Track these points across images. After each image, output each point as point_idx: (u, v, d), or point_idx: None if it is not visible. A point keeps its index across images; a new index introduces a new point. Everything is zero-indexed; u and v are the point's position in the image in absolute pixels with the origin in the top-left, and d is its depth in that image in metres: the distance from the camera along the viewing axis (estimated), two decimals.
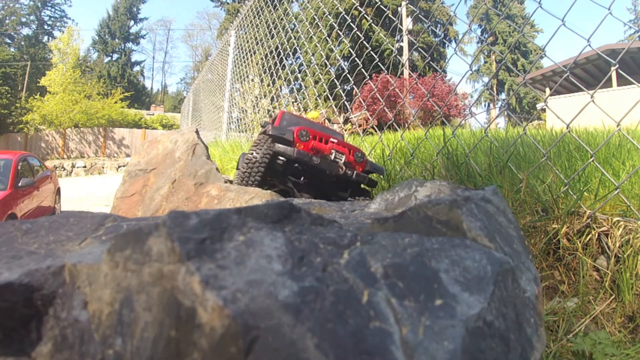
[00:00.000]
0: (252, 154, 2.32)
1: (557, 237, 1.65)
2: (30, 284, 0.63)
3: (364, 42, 3.65)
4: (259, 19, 7.88)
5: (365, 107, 11.53)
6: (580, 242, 1.61)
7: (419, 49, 4.28)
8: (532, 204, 1.84)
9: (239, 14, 9.61)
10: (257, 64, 8.38)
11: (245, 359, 0.43)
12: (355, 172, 2.32)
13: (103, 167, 19.35)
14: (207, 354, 0.45)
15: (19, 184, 5.53)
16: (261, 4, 7.62)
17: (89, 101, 23.05)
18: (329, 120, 9.05)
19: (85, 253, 0.69)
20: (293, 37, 6.35)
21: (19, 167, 5.87)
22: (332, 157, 2.30)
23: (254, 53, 8.34)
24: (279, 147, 2.29)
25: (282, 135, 2.29)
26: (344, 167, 2.27)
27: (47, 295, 0.63)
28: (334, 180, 2.42)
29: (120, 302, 0.55)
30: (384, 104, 4.23)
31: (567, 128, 2.00)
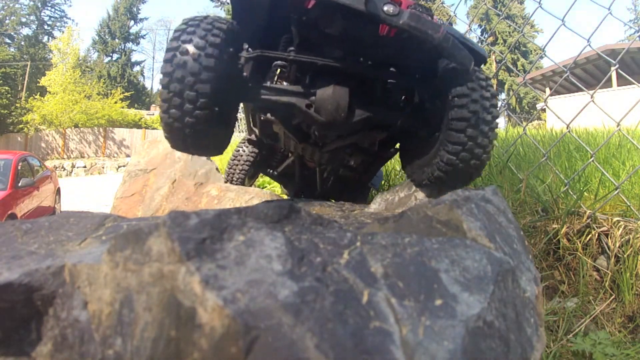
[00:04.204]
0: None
1: (557, 237, 1.65)
2: (30, 284, 0.63)
3: None
4: None
5: None
6: (580, 242, 1.61)
7: None
8: (532, 204, 1.84)
9: None
10: None
11: (245, 359, 0.43)
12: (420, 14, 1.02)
13: (103, 167, 19.36)
14: (207, 354, 0.45)
15: (19, 184, 5.53)
16: None
17: (89, 101, 23.07)
18: None
19: (85, 253, 0.69)
20: None
21: (19, 167, 5.87)
22: None
23: None
24: None
25: None
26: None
27: (47, 295, 0.63)
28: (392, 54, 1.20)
29: (120, 302, 0.55)
30: None
31: (567, 128, 2.00)
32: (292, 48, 1.26)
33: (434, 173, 1.22)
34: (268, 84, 1.26)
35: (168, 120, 1.11)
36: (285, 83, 1.29)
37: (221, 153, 1.31)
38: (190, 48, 1.05)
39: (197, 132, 1.12)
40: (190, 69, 1.05)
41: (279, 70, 1.28)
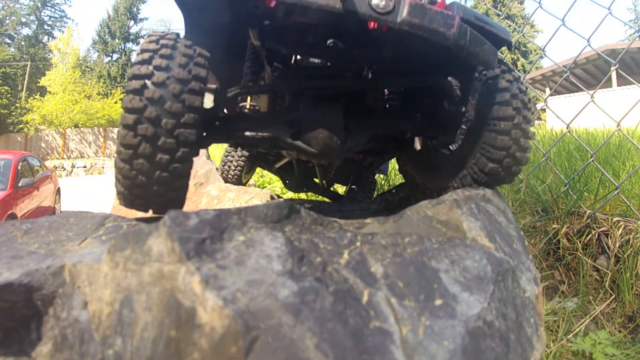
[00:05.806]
0: None
1: (557, 237, 1.65)
2: (30, 284, 0.63)
3: None
4: None
5: None
6: (580, 242, 1.61)
7: None
8: (532, 204, 1.84)
9: None
10: None
11: (245, 359, 0.43)
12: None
13: (103, 167, 19.37)
14: (207, 354, 0.45)
15: (19, 184, 5.54)
16: None
17: (89, 101, 23.13)
18: None
19: (85, 253, 0.69)
20: None
21: (19, 167, 5.87)
22: None
23: None
24: None
25: None
26: None
27: (47, 295, 0.63)
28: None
29: (120, 302, 0.55)
30: None
31: (567, 128, 2.00)
32: (275, 72, 1.01)
33: (466, 182, 1.01)
34: (238, 113, 1.01)
35: (129, 173, 0.80)
36: (257, 106, 1.04)
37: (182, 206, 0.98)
38: (169, 79, 0.78)
39: (168, 189, 0.84)
40: (170, 108, 0.76)
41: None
